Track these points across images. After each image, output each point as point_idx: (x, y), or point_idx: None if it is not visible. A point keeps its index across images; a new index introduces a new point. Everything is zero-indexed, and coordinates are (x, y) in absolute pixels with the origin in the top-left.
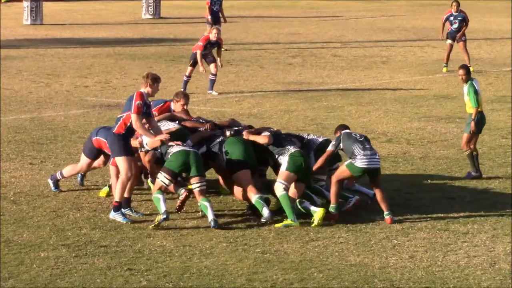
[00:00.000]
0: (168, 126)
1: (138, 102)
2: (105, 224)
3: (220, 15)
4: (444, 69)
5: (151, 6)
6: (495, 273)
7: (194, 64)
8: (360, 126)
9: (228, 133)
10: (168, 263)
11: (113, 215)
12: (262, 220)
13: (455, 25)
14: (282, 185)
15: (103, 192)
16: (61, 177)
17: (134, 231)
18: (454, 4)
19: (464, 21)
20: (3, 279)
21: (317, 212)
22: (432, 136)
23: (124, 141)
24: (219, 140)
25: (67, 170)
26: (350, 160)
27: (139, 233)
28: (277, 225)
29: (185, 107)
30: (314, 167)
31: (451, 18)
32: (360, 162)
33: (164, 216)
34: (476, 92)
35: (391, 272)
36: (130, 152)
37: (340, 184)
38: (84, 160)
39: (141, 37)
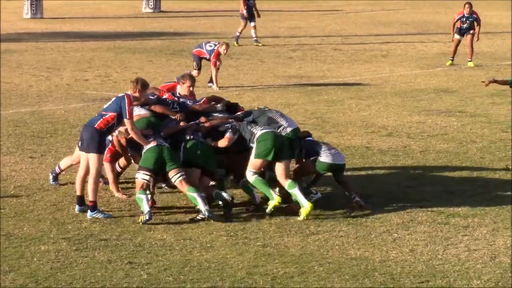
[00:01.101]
0: (138, 112)
1: (131, 107)
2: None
3: (254, 9)
4: (448, 63)
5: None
6: (495, 267)
7: (199, 68)
8: (360, 120)
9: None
10: (169, 256)
11: (91, 215)
12: (200, 216)
13: (466, 25)
14: (250, 172)
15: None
16: (59, 170)
17: (135, 225)
18: (467, 6)
19: (475, 21)
20: (3, 273)
21: (305, 208)
22: (432, 130)
23: (102, 138)
24: (183, 137)
25: (64, 163)
26: (315, 157)
27: (140, 227)
28: (267, 209)
29: (191, 89)
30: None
31: (463, 19)
32: (326, 158)
33: (147, 217)
34: None
35: (391, 266)
36: (104, 150)
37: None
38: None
39: (141, 31)
